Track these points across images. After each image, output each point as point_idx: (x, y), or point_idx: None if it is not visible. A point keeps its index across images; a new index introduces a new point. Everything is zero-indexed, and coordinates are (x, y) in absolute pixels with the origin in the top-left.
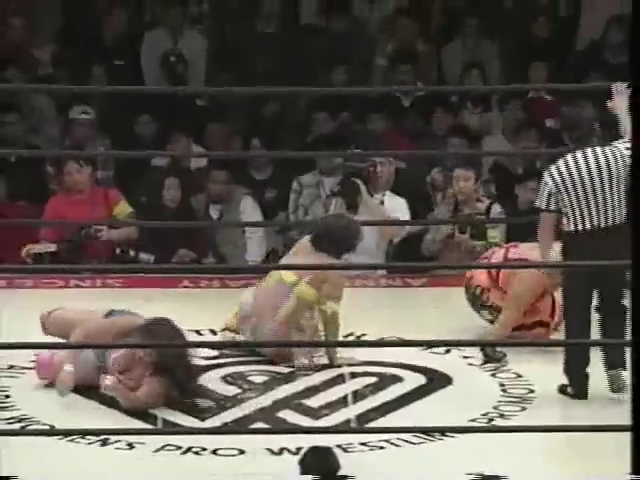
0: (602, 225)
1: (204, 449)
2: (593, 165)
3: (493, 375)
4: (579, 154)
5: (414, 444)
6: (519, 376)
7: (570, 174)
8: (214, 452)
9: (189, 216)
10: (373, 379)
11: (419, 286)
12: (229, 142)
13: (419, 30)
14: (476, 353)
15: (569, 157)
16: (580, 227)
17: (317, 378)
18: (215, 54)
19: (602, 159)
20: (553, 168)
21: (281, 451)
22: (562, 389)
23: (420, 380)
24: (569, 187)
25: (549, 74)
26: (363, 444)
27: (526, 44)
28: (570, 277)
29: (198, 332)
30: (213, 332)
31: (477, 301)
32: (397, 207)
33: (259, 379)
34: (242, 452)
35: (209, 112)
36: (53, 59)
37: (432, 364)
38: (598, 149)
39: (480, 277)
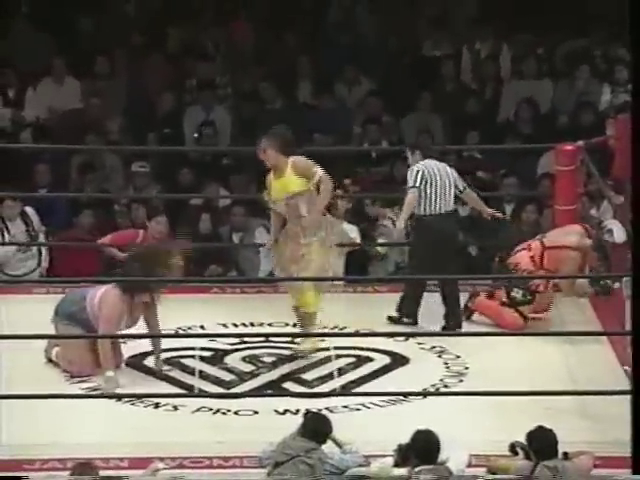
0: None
1: (229, 410)
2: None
3: (439, 356)
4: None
5: (382, 407)
6: (458, 357)
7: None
8: (236, 413)
9: (217, 241)
10: (352, 359)
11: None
12: (248, 187)
13: (384, 105)
14: (427, 340)
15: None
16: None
17: (311, 359)
18: (237, 124)
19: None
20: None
21: (285, 412)
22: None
23: (386, 360)
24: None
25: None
26: (345, 407)
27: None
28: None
29: (224, 325)
30: (235, 325)
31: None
32: (351, 232)
33: (269, 359)
34: (256, 412)
35: (233, 166)
36: (120, 128)
37: (395, 349)
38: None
39: (524, 261)
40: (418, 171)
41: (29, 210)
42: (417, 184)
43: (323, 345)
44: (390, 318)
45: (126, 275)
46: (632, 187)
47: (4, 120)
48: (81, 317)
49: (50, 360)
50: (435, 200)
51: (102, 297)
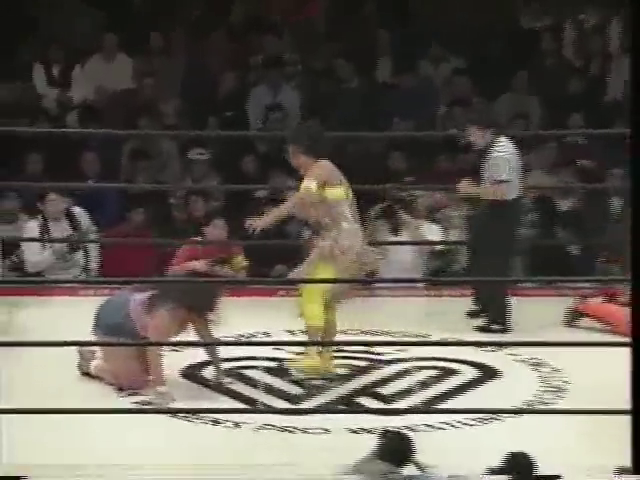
0: None
1: (296, 428)
2: None
3: (534, 369)
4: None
5: (469, 425)
6: (557, 370)
7: None
8: (304, 431)
9: (285, 238)
10: (436, 372)
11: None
12: None
13: (474, 85)
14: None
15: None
16: None
17: (389, 371)
18: (307, 105)
19: None
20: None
21: (359, 431)
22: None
23: (474, 373)
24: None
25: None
26: (427, 425)
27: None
28: None
29: (291, 332)
30: (303, 332)
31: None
32: (433, 232)
33: (341, 371)
34: (327, 431)
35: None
36: (176, 111)
37: (484, 360)
38: None
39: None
40: (507, 160)
41: (77, 210)
42: (507, 176)
43: (403, 356)
44: (479, 328)
45: (186, 293)
46: (632, 186)
47: (49, 101)
48: (126, 328)
49: (85, 374)
50: (513, 185)
51: (149, 306)
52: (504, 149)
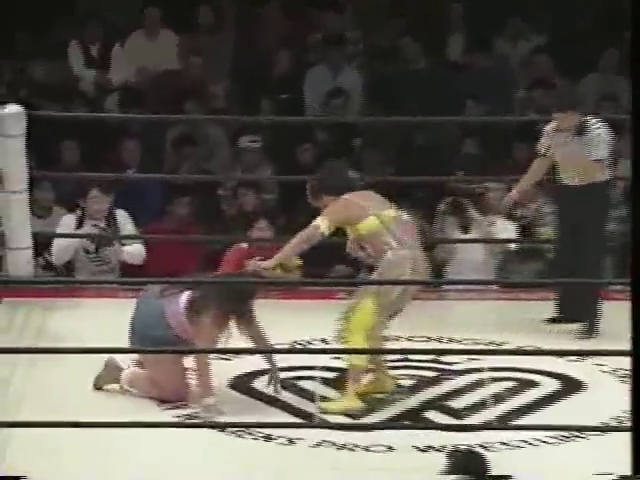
0: None
1: (357, 446)
2: None
3: (623, 381)
4: None
5: (550, 444)
6: None
7: None
8: (366, 449)
9: (342, 235)
10: (512, 384)
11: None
12: (383, 167)
13: (556, 65)
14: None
15: None
16: None
17: (460, 382)
18: (370, 88)
19: None
20: None
21: (427, 449)
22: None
23: (555, 385)
24: None
25: None
26: (503, 443)
27: None
28: None
29: None
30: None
31: None
32: (507, 231)
33: (407, 382)
34: (391, 449)
35: (364, 141)
36: (226, 93)
37: (567, 371)
38: None
39: None
40: (605, 139)
41: (121, 213)
42: (605, 155)
43: (475, 365)
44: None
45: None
46: (632, 186)
47: (86, 83)
48: (169, 340)
49: (99, 389)
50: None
51: (192, 312)
52: (600, 129)
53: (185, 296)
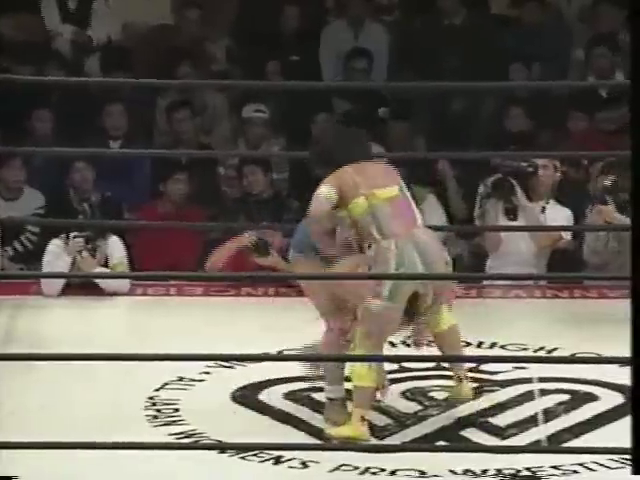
0: None
1: (382, 469)
2: None
3: None
4: None
5: (611, 468)
6: None
7: None
8: (392, 473)
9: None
10: (566, 397)
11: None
12: (412, 142)
13: (622, 19)
14: None
15: None
16: None
17: (504, 395)
18: (398, 47)
19: None
20: None
21: (465, 472)
22: None
23: (616, 398)
24: None
25: None
26: (555, 467)
27: None
28: None
29: (392, 344)
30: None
31: None
32: (560, 218)
33: (441, 395)
34: (423, 473)
35: (391, 111)
36: (227, 54)
37: (629, 382)
38: None
39: None
40: None
41: (113, 239)
42: None
43: (521, 375)
44: None
45: None
46: (632, 185)
47: (62, 41)
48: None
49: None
50: None
51: None
52: None
53: None
